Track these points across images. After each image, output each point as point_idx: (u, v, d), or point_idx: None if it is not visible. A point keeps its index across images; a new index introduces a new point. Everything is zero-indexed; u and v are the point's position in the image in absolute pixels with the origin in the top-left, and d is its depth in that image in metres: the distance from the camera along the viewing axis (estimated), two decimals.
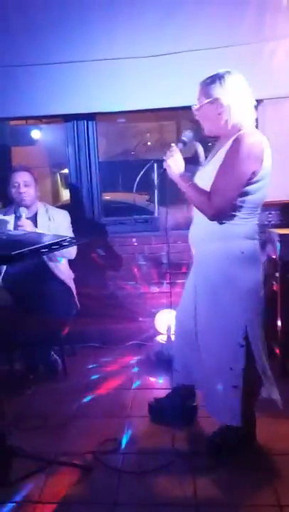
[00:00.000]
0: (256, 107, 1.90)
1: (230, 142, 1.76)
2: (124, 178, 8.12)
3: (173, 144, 1.92)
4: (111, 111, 3.06)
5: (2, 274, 2.63)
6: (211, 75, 1.81)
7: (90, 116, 3.23)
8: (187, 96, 1.96)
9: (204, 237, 1.90)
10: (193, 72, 2.78)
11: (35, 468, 1.84)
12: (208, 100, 1.79)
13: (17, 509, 1.67)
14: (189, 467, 1.87)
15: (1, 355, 2.70)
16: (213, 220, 1.80)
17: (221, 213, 1.78)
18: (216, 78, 1.80)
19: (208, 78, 1.81)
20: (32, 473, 1.82)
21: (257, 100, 2.93)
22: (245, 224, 1.82)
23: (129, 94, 2.96)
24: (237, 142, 1.72)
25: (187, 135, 1.97)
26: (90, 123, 3.27)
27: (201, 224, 1.89)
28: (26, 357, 2.66)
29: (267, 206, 2.89)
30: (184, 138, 1.97)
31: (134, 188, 2.18)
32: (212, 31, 2.82)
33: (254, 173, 1.73)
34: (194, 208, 1.91)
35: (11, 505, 1.68)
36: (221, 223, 1.81)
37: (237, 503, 1.67)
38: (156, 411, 2.22)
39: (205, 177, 1.84)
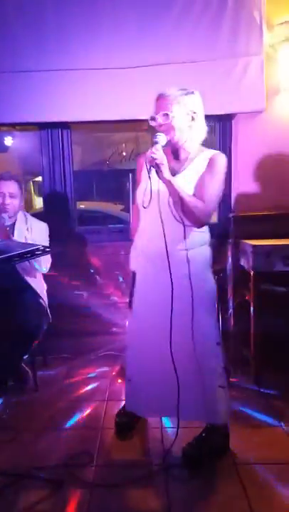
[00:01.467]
0: (230, 121, 1.94)
1: (201, 158, 1.87)
2: (98, 187, 8.12)
3: (158, 138, 1.80)
4: (85, 120, 3.05)
5: None
6: (182, 87, 1.88)
7: (65, 125, 3.22)
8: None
9: (178, 247, 1.89)
10: (167, 85, 2.85)
11: (5, 483, 1.79)
12: (189, 111, 1.86)
13: None
14: (163, 479, 1.85)
15: None
16: (201, 226, 1.89)
17: (208, 220, 1.90)
18: (190, 91, 1.88)
19: (181, 89, 1.87)
20: (2, 488, 1.78)
21: (230, 114, 3.07)
22: (207, 232, 1.99)
23: (104, 105, 2.96)
24: (221, 159, 1.89)
25: (163, 137, 1.84)
26: (64, 132, 3.25)
27: (173, 235, 1.85)
28: None
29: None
30: (160, 139, 1.82)
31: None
32: (189, 44, 2.88)
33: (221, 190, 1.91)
34: (153, 222, 1.84)
35: None
36: (189, 232, 1.89)
37: None
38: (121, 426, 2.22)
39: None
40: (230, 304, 2.96)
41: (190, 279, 1.88)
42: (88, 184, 8.70)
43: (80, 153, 6.93)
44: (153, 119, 1.86)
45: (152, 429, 2.23)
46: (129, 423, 2.21)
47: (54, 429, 2.26)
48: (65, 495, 1.77)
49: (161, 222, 1.79)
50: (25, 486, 1.81)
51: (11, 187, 2.59)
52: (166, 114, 1.83)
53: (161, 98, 1.87)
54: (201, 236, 1.95)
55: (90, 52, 2.91)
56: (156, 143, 1.78)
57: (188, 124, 1.88)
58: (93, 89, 2.94)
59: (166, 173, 1.77)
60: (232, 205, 3.13)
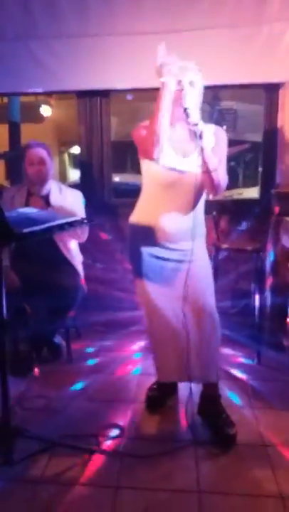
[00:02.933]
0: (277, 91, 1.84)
1: (208, 132, 1.82)
2: (133, 159, 8.03)
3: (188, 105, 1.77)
4: (126, 88, 2.97)
5: (10, 253, 2.59)
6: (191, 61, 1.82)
7: (103, 94, 3.14)
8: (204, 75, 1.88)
9: (198, 231, 1.97)
10: (211, 51, 2.72)
11: (38, 449, 1.84)
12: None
13: (20, 488, 1.67)
14: (192, 454, 1.86)
15: (7, 336, 2.68)
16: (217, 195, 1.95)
17: None
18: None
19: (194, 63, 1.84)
20: (35, 453, 1.82)
21: (278, 83, 2.90)
22: None
23: (144, 71, 2.86)
24: (221, 134, 1.92)
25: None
26: (103, 100, 3.18)
27: (190, 216, 1.93)
28: (32, 338, 2.63)
29: None
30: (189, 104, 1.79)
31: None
32: (234, 8, 2.72)
33: None
34: (178, 202, 1.92)
35: (13, 484, 1.69)
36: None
37: (239, 492, 1.66)
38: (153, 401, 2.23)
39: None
40: (268, 285, 2.88)
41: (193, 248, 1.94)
42: (123, 156, 8.61)
43: (115, 124, 6.83)
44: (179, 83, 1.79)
45: (184, 405, 2.22)
46: (160, 398, 2.22)
47: (86, 400, 2.29)
48: (95, 464, 1.80)
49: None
50: (57, 452, 1.85)
51: (39, 154, 2.58)
52: (192, 83, 1.79)
53: (188, 66, 1.82)
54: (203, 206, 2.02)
55: (134, 16, 2.79)
56: (187, 108, 1.75)
57: (199, 100, 1.84)
58: (134, 55, 2.84)
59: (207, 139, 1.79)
60: (277, 180, 3.00)
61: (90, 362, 2.72)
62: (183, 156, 1.90)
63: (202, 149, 1.76)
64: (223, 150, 1.90)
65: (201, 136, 1.74)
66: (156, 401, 2.22)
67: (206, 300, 1.98)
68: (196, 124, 1.74)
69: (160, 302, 2.02)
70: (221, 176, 1.85)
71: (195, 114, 1.74)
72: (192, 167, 1.86)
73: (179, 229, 1.95)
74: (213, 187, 1.86)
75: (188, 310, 1.97)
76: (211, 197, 2.06)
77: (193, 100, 1.77)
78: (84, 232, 2.62)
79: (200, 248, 2.00)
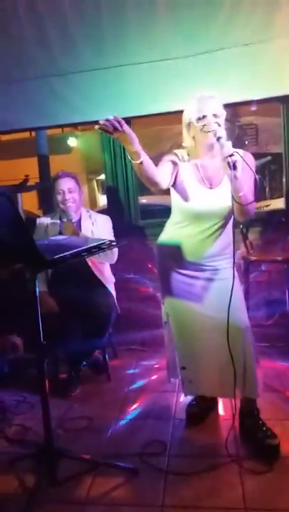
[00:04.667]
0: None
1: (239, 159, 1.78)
2: None
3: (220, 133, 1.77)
4: (148, 113, 3.07)
5: (48, 279, 2.69)
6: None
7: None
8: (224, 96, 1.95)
9: (227, 249, 1.98)
10: (224, 71, 2.79)
11: (82, 470, 1.86)
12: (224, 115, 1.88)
13: (65, 510, 1.69)
14: (237, 470, 1.83)
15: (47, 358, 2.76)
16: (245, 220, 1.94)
17: None
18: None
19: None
20: (79, 474, 1.85)
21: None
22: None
23: (160, 96, 2.96)
24: (249, 158, 1.83)
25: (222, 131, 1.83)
26: None
27: (218, 239, 1.98)
28: (71, 360, 2.70)
29: None
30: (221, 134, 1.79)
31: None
32: (249, 26, 2.80)
33: None
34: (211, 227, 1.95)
35: (59, 505, 1.71)
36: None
37: (287, 508, 1.61)
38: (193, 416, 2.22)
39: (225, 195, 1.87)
40: None
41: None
42: None
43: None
44: (204, 117, 1.84)
45: (224, 420, 2.20)
46: (200, 413, 2.22)
47: (126, 418, 2.31)
48: (140, 483, 1.81)
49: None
50: (101, 472, 1.86)
51: (69, 183, 2.70)
52: (216, 115, 1.84)
53: (210, 98, 1.87)
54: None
55: (146, 47, 2.91)
56: (221, 138, 1.74)
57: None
58: (150, 82, 2.94)
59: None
60: None
61: (128, 380, 2.74)
62: (210, 186, 1.94)
63: (236, 178, 1.71)
64: (251, 174, 1.84)
65: (235, 167, 1.68)
66: (197, 417, 2.21)
67: (238, 316, 1.96)
68: (231, 155, 1.69)
69: (190, 318, 2.04)
70: (250, 200, 1.82)
71: (228, 145, 1.71)
72: (221, 199, 1.89)
73: (207, 251, 1.98)
74: (243, 213, 1.86)
75: (221, 327, 1.92)
76: (241, 220, 2.02)
77: (223, 130, 1.79)
78: (114, 254, 2.69)
79: (229, 264, 1.99)
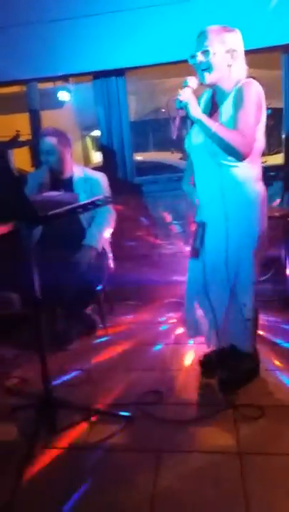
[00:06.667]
0: None
1: (233, 93, 1.80)
2: (154, 136, 7.96)
3: (188, 81, 1.78)
4: (142, 65, 2.95)
5: (38, 236, 2.68)
6: (223, 24, 1.81)
7: (119, 73, 3.13)
8: None
9: (228, 185, 1.90)
10: (221, 18, 2.65)
11: (80, 418, 1.92)
12: (229, 48, 1.80)
13: (64, 455, 1.75)
14: (231, 418, 1.88)
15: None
16: (244, 160, 1.80)
17: (251, 152, 1.79)
18: (230, 28, 1.82)
19: (222, 26, 1.81)
20: (77, 422, 1.91)
21: None
22: (251, 168, 1.88)
23: (158, 47, 2.84)
24: (247, 87, 1.78)
25: (193, 80, 1.81)
26: (119, 80, 3.17)
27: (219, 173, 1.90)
28: (67, 315, 2.74)
29: None
30: (190, 82, 1.80)
31: None
32: None
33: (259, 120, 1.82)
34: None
35: (58, 451, 1.77)
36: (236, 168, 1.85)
37: (281, 452, 1.67)
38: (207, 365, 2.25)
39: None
40: None
41: (227, 218, 1.89)
42: (144, 134, 8.55)
43: (134, 103, 6.78)
44: (192, 56, 1.80)
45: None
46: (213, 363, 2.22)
47: (123, 370, 2.36)
48: (137, 430, 1.87)
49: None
50: (99, 421, 1.93)
51: (47, 144, 2.64)
52: (206, 51, 1.77)
53: (201, 35, 1.81)
54: (241, 172, 1.88)
55: None
56: (186, 85, 1.76)
57: (227, 63, 1.81)
58: (143, 30, 2.81)
59: (194, 111, 1.74)
60: None
61: (125, 334, 2.80)
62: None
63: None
64: (242, 106, 1.77)
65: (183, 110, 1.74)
66: (210, 366, 2.22)
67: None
68: (179, 100, 1.74)
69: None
70: (231, 138, 1.74)
71: (184, 90, 1.75)
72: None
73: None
74: (225, 151, 1.79)
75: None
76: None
77: (192, 80, 1.79)
78: (111, 220, 2.70)
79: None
